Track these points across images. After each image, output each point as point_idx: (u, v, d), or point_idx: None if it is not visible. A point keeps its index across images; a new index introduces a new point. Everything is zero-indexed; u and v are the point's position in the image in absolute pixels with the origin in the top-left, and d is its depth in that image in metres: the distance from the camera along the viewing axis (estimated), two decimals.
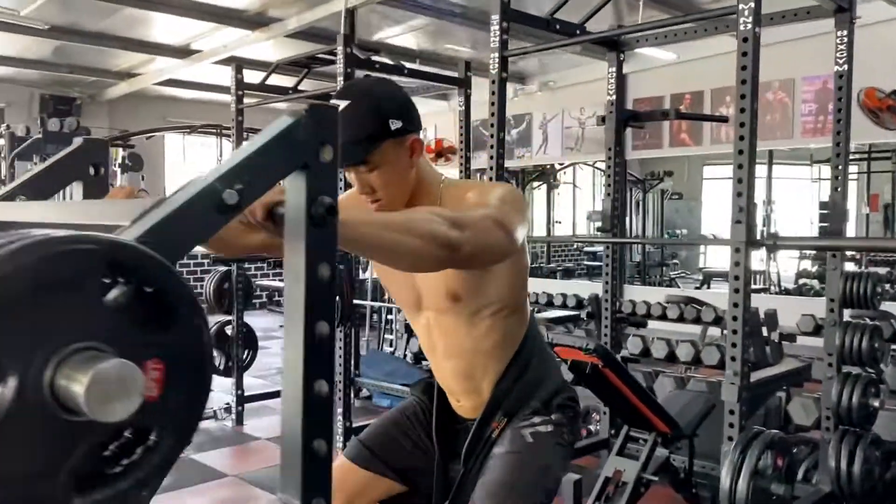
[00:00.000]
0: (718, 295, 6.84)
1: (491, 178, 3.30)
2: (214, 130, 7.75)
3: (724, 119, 4.72)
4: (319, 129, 0.90)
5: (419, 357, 5.83)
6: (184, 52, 7.46)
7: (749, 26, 2.41)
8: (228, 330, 4.85)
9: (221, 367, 4.84)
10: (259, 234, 1.36)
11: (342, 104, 1.46)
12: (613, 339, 3.97)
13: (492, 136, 3.29)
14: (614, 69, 3.86)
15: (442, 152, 10.30)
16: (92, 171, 1.38)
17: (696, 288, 10.44)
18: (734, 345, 2.55)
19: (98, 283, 0.60)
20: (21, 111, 8.40)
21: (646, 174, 11.70)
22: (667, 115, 4.04)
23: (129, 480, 0.63)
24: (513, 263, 1.59)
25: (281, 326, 2.81)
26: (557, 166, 11.50)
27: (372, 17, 6.57)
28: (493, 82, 3.28)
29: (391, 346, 6.19)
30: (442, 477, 1.77)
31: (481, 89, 9.53)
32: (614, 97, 3.86)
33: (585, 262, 12.87)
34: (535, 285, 7.24)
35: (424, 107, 10.35)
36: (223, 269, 4.79)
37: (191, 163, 9.38)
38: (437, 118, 10.47)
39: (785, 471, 2.58)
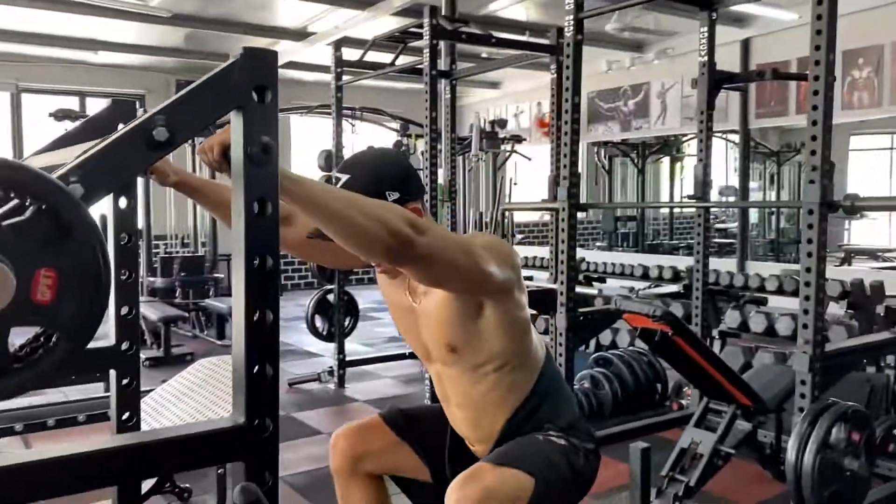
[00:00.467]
0: (854, 272, 6.42)
1: (564, 144, 3.24)
2: (329, 111, 8.02)
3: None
4: (255, 72, 0.96)
5: None
6: (300, 35, 7.79)
7: None
8: (331, 298, 5.07)
9: (325, 333, 5.07)
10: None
11: (343, 178, 1.54)
12: (705, 311, 3.82)
13: (566, 100, 3.23)
14: (706, 29, 3.68)
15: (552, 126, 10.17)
16: None
17: (836, 266, 9.79)
18: (806, 311, 2.41)
19: None
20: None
21: (781, 145, 11.04)
22: (762, 76, 3.81)
23: (26, 374, 0.72)
24: (507, 318, 1.63)
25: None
26: (682, 138, 11.08)
27: None
28: (568, 45, 3.22)
29: None
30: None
31: (595, 60, 9.35)
32: (706, 59, 3.69)
33: (716, 240, 12.36)
34: (649, 260, 7.06)
35: (533, 80, 10.28)
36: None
37: (317, 142, 9.79)
38: (548, 91, 10.34)
39: (865, 446, 2.42)
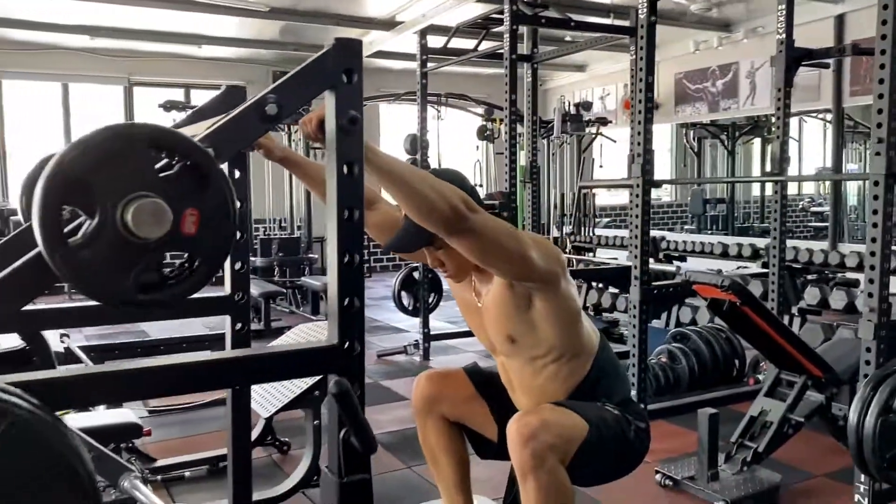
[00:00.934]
0: None
1: (638, 122, 3.35)
2: (415, 98, 8.28)
3: None
4: (344, 58, 1.18)
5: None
6: (389, 24, 8.06)
7: None
8: (416, 275, 5.33)
9: (410, 308, 5.34)
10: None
11: None
12: (782, 287, 3.86)
13: (640, 79, 3.34)
14: (784, 6, 3.71)
15: None
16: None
17: None
18: (871, 281, 2.48)
19: (150, 157, 0.94)
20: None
21: None
22: (843, 52, 3.79)
23: (175, 290, 0.96)
24: (555, 308, 1.80)
25: None
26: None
27: None
28: (642, 27, 3.33)
29: None
30: None
31: (681, 40, 9.25)
32: (784, 36, 3.72)
33: (812, 224, 12.01)
34: (729, 240, 7.01)
35: (619, 62, 10.19)
36: (412, 264, 5.26)
37: (404, 129, 10.10)
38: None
39: None
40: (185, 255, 0.98)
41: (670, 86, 10.02)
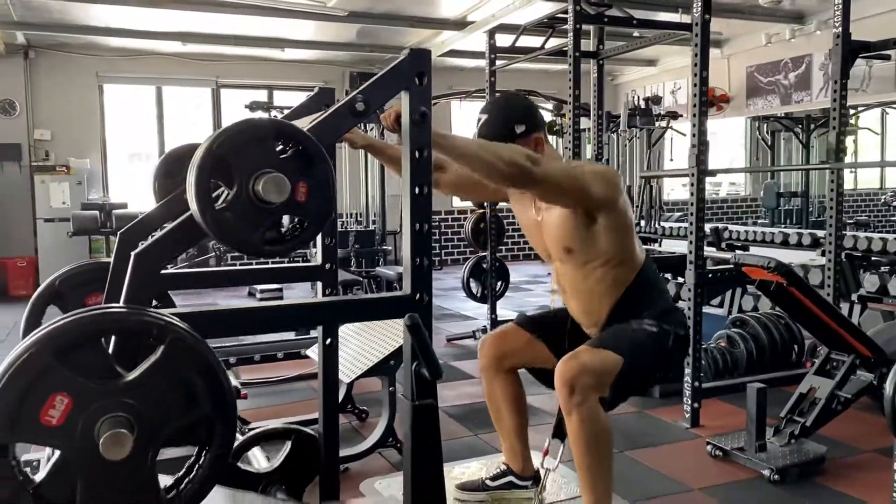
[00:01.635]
0: None
1: (693, 115, 3.54)
2: (485, 95, 8.56)
3: None
4: (417, 64, 1.48)
5: None
6: (460, 25, 8.37)
7: None
8: (484, 264, 5.61)
9: (478, 295, 5.63)
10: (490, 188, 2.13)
11: (483, 118, 2.11)
12: (838, 274, 3.98)
13: (695, 74, 3.53)
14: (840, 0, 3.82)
15: (713, 101, 10.11)
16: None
17: None
18: None
19: (273, 143, 1.25)
20: (337, 88, 9.94)
21: None
22: None
23: (291, 243, 1.28)
24: (612, 224, 2.07)
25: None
26: (850, 110, 10.63)
27: None
28: (696, 24, 3.52)
29: None
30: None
31: (752, 33, 9.22)
32: (840, 29, 3.83)
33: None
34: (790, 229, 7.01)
35: (689, 57, 10.22)
36: (479, 211, 5.55)
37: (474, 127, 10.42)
38: (710, 67, 10.23)
39: None
40: (297, 219, 1.30)
41: (742, 79, 9.99)
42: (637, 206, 7.32)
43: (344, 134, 1.50)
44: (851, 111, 10.83)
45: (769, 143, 11.33)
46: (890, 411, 2.57)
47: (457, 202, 10.54)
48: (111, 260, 1.90)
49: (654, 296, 2.18)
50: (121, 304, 1.31)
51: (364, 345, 3.60)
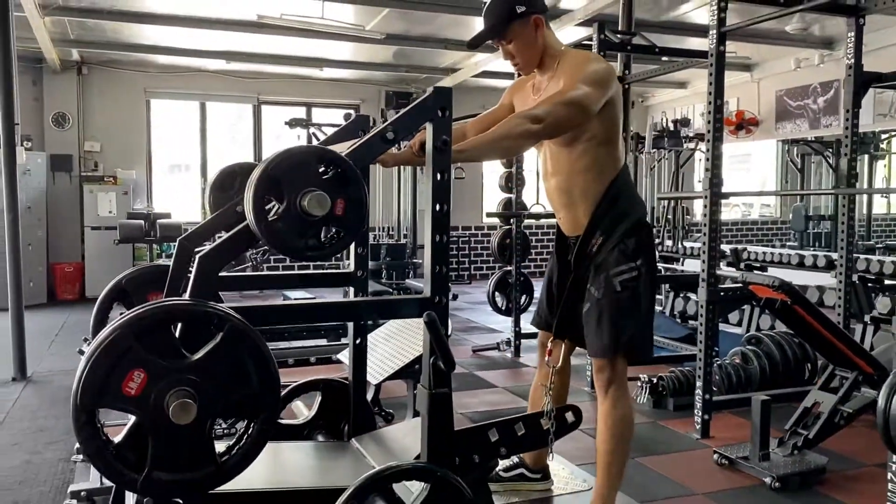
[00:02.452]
0: None
1: (707, 140, 3.74)
2: None
3: None
4: (440, 100, 1.72)
5: (685, 316, 6.29)
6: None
7: None
8: (509, 278, 5.83)
9: (503, 308, 5.85)
10: None
11: (487, 2, 2.30)
12: (848, 295, 4.13)
13: (709, 102, 3.73)
14: (853, 33, 4.00)
15: (742, 124, 10.25)
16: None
17: None
18: None
19: (317, 166, 1.50)
20: (373, 106, 10.30)
21: None
22: None
23: (330, 250, 1.53)
24: (601, 112, 2.20)
25: None
26: (881, 135, 10.68)
27: None
28: (712, 55, 3.72)
29: (660, 305, 6.69)
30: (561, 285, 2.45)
31: (782, 57, 9.33)
32: (853, 61, 4.01)
33: None
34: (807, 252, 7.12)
35: (727, 79, 10.38)
36: (506, 227, 5.78)
37: None
38: (739, 90, 10.43)
39: None
40: (334, 229, 1.54)
41: (771, 102, 10.12)
42: (659, 228, 7.49)
43: (375, 158, 1.74)
44: (883, 136, 10.89)
45: (799, 167, 11.40)
46: (882, 422, 2.72)
47: (488, 218, 10.78)
48: (170, 263, 2.16)
49: (630, 203, 2.33)
50: (186, 297, 1.56)
51: (392, 350, 3.84)
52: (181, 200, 9.78)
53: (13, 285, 5.28)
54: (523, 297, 5.88)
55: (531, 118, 2.05)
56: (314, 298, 7.66)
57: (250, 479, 1.86)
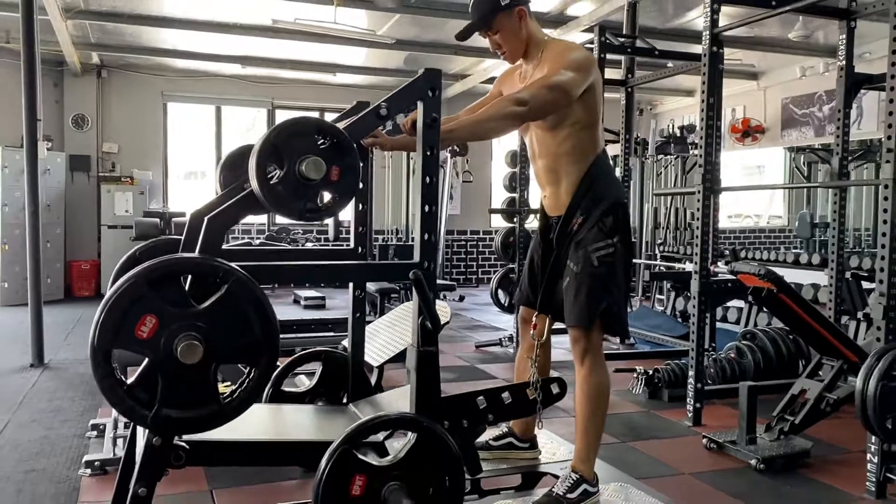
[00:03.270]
0: None
1: (700, 138, 3.88)
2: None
3: None
4: (430, 80, 1.88)
5: (685, 315, 6.40)
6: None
7: None
8: (512, 275, 5.97)
9: (505, 304, 5.98)
10: None
11: (470, 21, 2.47)
12: (839, 290, 4.23)
13: (703, 101, 3.86)
14: (844, 36, 4.13)
15: (749, 131, 10.36)
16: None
17: None
18: (882, 269, 2.92)
19: (314, 137, 1.66)
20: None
21: None
22: None
23: (326, 212, 1.68)
24: (582, 95, 2.34)
25: None
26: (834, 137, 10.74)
27: (668, 2, 7.19)
28: (705, 55, 3.86)
29: (661, 304, 6.81)
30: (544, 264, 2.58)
31: (788, 66, 9.42)
32: (844, 62, 4.13)
33: None
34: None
35: (733, 87, 10.49)
36: (508, 226, 5.92)
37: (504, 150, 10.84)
38: (746, 98, 10.55)
39: None
40: (330, 194, 1.70)
41: (777, 110, 10.22)
42: (664, 228, 7.61)
43: (371, 132, 1.89)
44: (834, 138, 10.93)
45: (805, 174, 11.47)
46: (860, 402, 2.84)
47: (495, 222, 10.92)
48: (181, 237, 2.32)
49: (608, 185, 2.47)
50: (196, 253, 1.72)
51: (392, 337, 4.00)
52: (197, 203, 9.97)
53: (32, 277, 5.47)
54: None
55: (517, 101, 2.20)
56: (323, 300, 7.86)
57: (253, 431, 2.02)
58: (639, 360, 5.20)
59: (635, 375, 4.58)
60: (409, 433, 1.82)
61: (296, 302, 8.49)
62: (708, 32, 3.84)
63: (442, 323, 2.25)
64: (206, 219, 1.72)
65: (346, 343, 4.01)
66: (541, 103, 2.24)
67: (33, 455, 3.41)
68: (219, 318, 1.62)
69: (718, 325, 5.67)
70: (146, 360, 1.60)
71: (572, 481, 2.29)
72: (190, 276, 1.66)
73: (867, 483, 3.03)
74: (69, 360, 5.56)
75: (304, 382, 2.82)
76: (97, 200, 9.60)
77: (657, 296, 7.03)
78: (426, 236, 1.89)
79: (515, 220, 5.82)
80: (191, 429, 1.65)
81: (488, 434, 2.76)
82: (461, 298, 9.17)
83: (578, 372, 2.37)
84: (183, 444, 1.74)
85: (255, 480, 3.08)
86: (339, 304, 8.15)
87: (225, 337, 1.62)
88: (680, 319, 6.38)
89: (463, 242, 11.39)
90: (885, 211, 2.92)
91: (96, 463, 3.18)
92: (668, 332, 5.94)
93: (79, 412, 4.13)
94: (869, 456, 3.04)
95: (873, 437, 2.99)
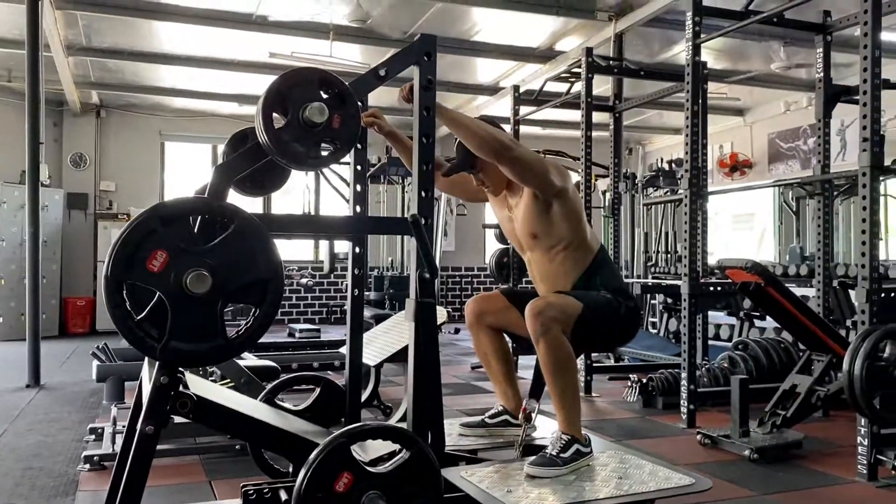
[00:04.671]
0: None
1: (687, 153, 4.01)
2: None
3: None
4: (425, 46, 1.99)
5: (678, 336, 6.46)
6: (493, 90, 9.06)
7: None
8: None
9: None
10: (472, 188, 2.66)
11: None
12: (826, 295, 4.32)
13: (687, 117, 4.01)
14: (821, 49, 4.31)
15: (737, 166, 10.57)
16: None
17: None
18: (863, 254, 3.01)
19: (318, 86, 1.76)
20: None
21: None
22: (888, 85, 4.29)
23: (328, 159, 1.77)
24: (565, 210, 2.47)
25: None
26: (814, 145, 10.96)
27: (654, 38, 7.43)
28: (688, 64, 4.01)
29: (654, 327, 6.87)
30: None
31: (772, 101, 9.66)
32: (822, 75, 4.30)
33: None
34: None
35: (720, 123, 10.74)
36: (502, 247, 6.01)
37: None
38: (733, 134, 10.80)
39: None
40: (332, 142, 1.79)
41: (763, 145, 10.46)
42: (654, 252, 7.73)
43: (372, 90, 1.99)
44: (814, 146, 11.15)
45: (794, 210, 11.65)
46: (847, 382, 2.90)
47: (487, 259, 11.03)
48: None
49: (608, 279, 2.57)
50: (206, 196, 1.80)
51: (389, 340, 4.08)
52: None
53: (31, 305, 5.49)
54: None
55: (511, 140, 2.34)
56: (318, 332, 7.88)
57: (254, 412, 2.05)
58: (633, 372, 5.24)
59: (629, 384, 4.62)
60: (405, 450, 1.86)
61: (290, 336, 8.51)
62: (690, 43, 3.99)
63: (439, 323, 2.29)
64: (214, 167, 1.81)
65: (343, 350, 4.08)
66: (523, 157, 2.36)
67: (31, 456, 3.42)
68: (226, 255, 1.69)
69: (711, 342, 5.74)
70: (157, 293, 1.67)
71: (564, 441, 2.32)
72: (199, 218, 1.74)
73: (858, 466, 3.07)
74: (65, 382, 5.56)
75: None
76: (94, 237, 9.68)
77: (650, 318, 7.09)
78: (423, 193, 1.98)
79: (509, 241, 5.91)
80: (197, 361, 1.71)
81: (485, 410, 2.80)
82: (456, 331, 9.21)
83: (543, 340, 2.33)
84: (190, 394, 1.79)
85: (252, 472, 3.09)
86: (333, 336, 8.17)
87: (232, 273, 1.69)
88: (673, 340, 6.44)
89: (458, 279, 11.47)
90: (864, 198, 3.03)
91: (95, 458, 3.19)
92: (662, 352, 6.00)
93: (76, 421, 4.14)
94: (859, 439, 3.08)
95: (863, 420, 3.05)
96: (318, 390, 2.72)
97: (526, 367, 4.16)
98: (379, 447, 2.03)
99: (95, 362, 4.65)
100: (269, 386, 2.71)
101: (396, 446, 1.87)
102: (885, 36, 2.97)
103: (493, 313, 2.75)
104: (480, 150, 2.31)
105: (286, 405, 2.67)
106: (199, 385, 1.99)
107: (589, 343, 2.58)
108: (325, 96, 1.79)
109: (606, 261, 2.64)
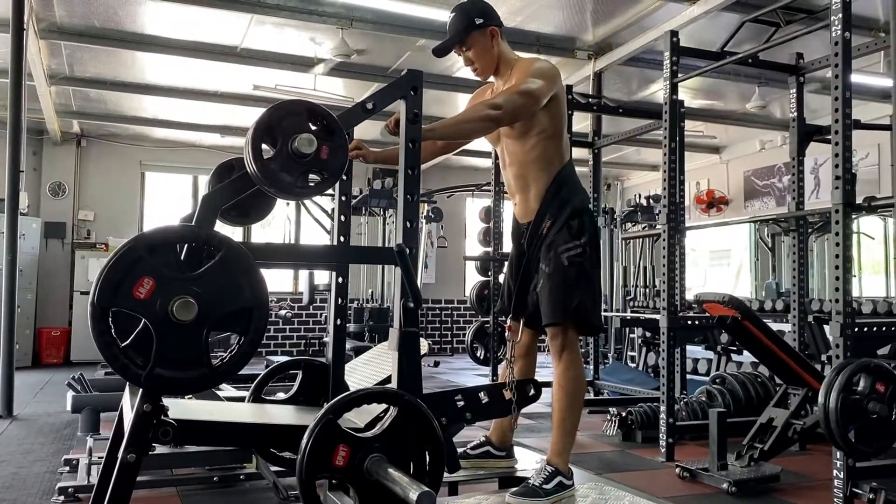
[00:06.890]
0: None
1: (664, 186, 4.09)
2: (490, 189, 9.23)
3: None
4: (411, 81, 2.04)
5: (656, 370, 6.50)
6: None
7: None
8: (487, 327, 6.05)
9: (481, 357, 6.04)
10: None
11: (451, 15, 2.66)
12: (801, 329, 4.39)
13: (664, 154, 4.10)
14: (794, 90, 4.44)
15: (713, 202, 10.74)
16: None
17: None
18: (837, 289, 3.08)
19: (306, 119, 1.80)
20: (361, 177, 10.70)
21: None
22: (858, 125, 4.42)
23: (315, 189, 1.80)
24: (548, 105, 2.53)
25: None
26: (788, 182, 11.19)
27: (632, 77, 7.60)
28: (666, 103, 4.11)
29: (633, 361, 6.91)
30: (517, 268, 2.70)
31: (748, 139, 9.86)
32: (796, 114, 4.43)
33: None
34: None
35: (697, 160, 10.94)
36: (483, 279, 6.05)
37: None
38: (710, 171, 11.00)
39: (889, 396, 2.98)
40: (320, 173, 1.82)
41: (739, 182, 10.65)
42: (633, 286, 7.80)
43: (359, 123, 2.03)
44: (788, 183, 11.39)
45: (769, 246, 11.83)
46: (823, 416, 2.94)
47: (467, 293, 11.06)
48: None
49: (574, 191, 2.63)
50: (193, 224, 1.82)
51: (370, 372, 4.07)
52: None
53: (6, 332, 5.40)
54: (501, 347, 6.09)
55: (492, 105, 2.38)
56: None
57: (236, 417, 2.07)
58: (611, 404, 5.26)
59: (609, 417, 4.64)
60: (392, 407, 1.88)
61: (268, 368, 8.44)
62: (668, 82, 4.09)
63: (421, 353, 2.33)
64: (202, 196, 1.83)
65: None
66: (513, 108, 2.42)
67: (4, 488, 3.36)
68: (212, 283, 1.71)
69: (689, 376, 5.78)
70: (142, 321, 1.68)
71: (548, 473, 2.34)
72: (186, 246, 1.75)
73: (835, 500, 3.10)
74: (38, 413, 5.47)
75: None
76: (71, 267, 9.59)
77: (629, 352, 7.14)
78: (408, 224, 2.01)
79: (490, 273, 5.95)
80: (182, 389, 1.71)
81: (466, 443, 2.81)
82: (436, 364, 9.19)
83: (556, 367, 2.46)
84: (171, 421, 1.79)
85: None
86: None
87: (218, 301, 1.71)
88: (652, 374, 6.48)
89: (438, 311, 11.47)
90: (837, 235, 3.11)
91: (70, 489, 3.14)
92: (642, 385, 6.02)
93: (50, 453, 4.07)
94: (835, 472, 3.11)
95: (838, 454, 3.08)
96: (300, 374, 2.75)
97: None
98: (374, 410, 2.05)
99: (71, 393, 4.58)
100: (253, 385, 2.72)
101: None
102: (856, 78, 3.11)
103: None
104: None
105: (279, 396, 2.70)
106: (179, 405, 1.99)
107: (593, 313, 2.61)
108: (313, 128, 1.82)
109: (573, 174, 2.69)
